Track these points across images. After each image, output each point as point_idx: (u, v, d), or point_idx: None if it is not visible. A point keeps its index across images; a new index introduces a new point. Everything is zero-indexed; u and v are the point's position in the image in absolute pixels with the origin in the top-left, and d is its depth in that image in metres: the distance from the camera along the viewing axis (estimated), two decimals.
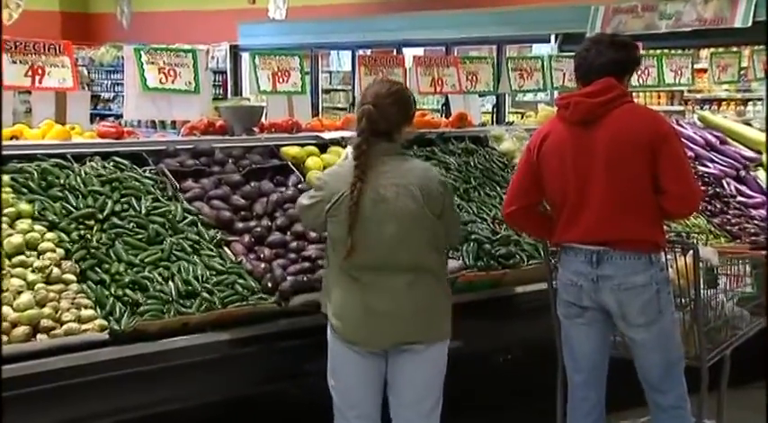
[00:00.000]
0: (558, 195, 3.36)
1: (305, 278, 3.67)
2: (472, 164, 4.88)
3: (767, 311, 3.15)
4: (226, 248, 3.81)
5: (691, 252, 3.44)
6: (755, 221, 5.14)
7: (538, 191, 3.43)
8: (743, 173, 5.66)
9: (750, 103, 10.40)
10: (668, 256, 3.40)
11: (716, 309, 3.63)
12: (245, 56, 13.12)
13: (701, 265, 3.47)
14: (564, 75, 5.99)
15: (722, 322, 3.66)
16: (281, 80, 5.13)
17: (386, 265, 3.09)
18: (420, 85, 5.46)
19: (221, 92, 13.98)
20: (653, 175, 3.23)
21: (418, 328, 3.12)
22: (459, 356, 3.32)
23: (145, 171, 4.07)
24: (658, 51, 8.14)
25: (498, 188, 4.78)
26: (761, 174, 5.68)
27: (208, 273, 3.60)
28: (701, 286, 3.48)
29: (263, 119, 4.96)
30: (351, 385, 3.18)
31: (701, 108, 10.48)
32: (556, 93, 8.91)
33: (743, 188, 5.54)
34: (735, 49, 8.09)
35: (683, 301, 3.56)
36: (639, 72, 6.22)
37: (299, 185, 4.24)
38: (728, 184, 5.52)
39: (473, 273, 4.00)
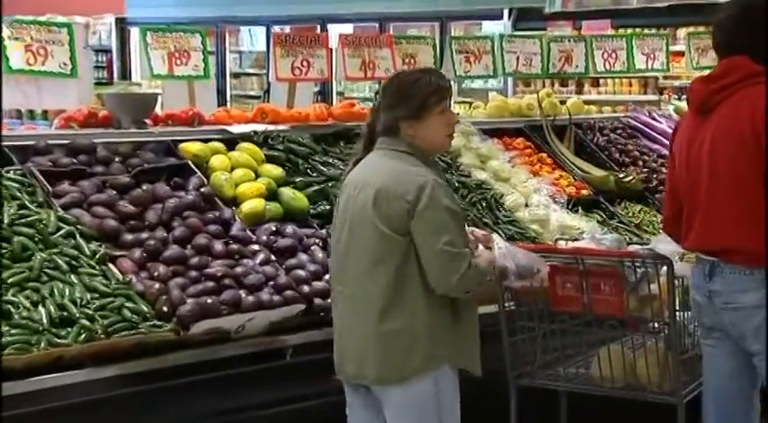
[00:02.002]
0: (681, 195, 3.43)
1: (209, 301, 3.66)
2: None
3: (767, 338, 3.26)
4: (111, 265, 3.78)
5: (664, 268, 3.54)
6: None
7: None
8: None
9: None
10: (649, 271, 3.50)
11: (693, 334, 3.74)
12: (135, 31, 12.98)
13: (676, 283, 3.57)
14: (518, 58, 6.09)
15: (701, 350, 3.77)
16: (178, 62, 5.11)
17: (339, 277, 3.26)
18: (347, 70, 5.50)
19: (105, 75, 13.82)
20: (764, 174, 3.17)
21: (354, 362, 3.22)
22: None
23: (8, 172, 4.01)
24: (629, 31, 8.36)
25: None
26: None
27: (88, 295, 3.56)
28: (676, 307, 3.59)
29: (156, 109, 4.94)
30: None
31: (679, 98, 10.79)
32: (509, 79, 9.11)
33: None
34: None
35: (655, 325, 3.67)
36: (606, 55, 6.38)
37: (202, 189, 4.23)
38: None
39: None
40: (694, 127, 3.37)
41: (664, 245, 3.65)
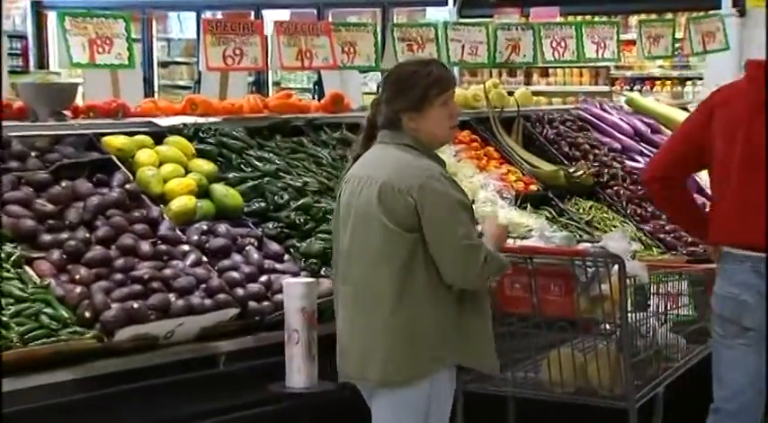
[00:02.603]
0: (722, 180, 3.42)
1: (135, 305, 3.64)
2: None
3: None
4: (27, 268, 3.74)
5: (615, 267, 3.60)
6: None
7: (696, 162, 3.47)
8: None
9: (689, 82, 10.95)
10: (600, 270, 3.54)
11: (646, 336, 3.81)
12: (53, 16, 12.82)
13: (627, 282, 3.63)
14: (463, 46, 6.13)
15: (653, 352, 3.84)
16: (100, 49, 5.06)
17: (343, 274, 3.30)
18: (283, 59, 5.49)
19: (21, 63, 13.63)
20: None
21: (357, 362, 3.27)
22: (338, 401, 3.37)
23: None
24: (578, 18, 8.44)
25: None
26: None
27: (2, 301, 3.52)
28: (628, 308, 3.64)
29: (77, 100, 4.89)
30: None
31: (632, 89, 10.95)
32: (454, 69, 9.16)
33: None
34: (669, 15, 8.49)
35: (606, 327, 3.72)
36: (555, 44, 6.44)
37: (127, 186, 4.20)
38: None
39: None
40: (758, 112, 3.37)
41: (615, 242, 3.71)
